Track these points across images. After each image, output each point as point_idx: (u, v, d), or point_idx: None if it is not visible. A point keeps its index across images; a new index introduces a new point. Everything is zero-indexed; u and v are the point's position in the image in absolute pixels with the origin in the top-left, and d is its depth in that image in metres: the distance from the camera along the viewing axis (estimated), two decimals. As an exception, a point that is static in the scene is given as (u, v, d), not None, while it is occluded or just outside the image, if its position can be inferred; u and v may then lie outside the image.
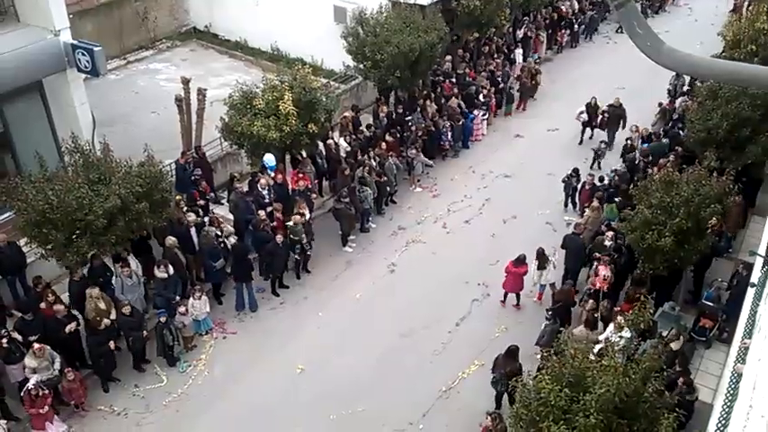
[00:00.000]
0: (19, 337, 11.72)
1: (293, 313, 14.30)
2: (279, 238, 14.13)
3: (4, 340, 11.42)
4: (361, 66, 18.73)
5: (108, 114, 17.32)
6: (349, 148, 17.39)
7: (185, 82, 16.69)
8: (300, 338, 13.66)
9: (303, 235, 14.58)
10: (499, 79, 21.46)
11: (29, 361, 11.34)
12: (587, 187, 16.46)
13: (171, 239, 13.46)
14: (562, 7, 26.18)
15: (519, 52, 23.34)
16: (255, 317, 14.21)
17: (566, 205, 17.32)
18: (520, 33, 24.21)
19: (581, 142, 19.97)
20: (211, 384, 12.71)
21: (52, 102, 14.81)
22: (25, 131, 14.49)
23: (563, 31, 26.05)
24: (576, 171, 17.11)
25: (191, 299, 13.11)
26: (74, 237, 11.85)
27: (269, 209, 14.89)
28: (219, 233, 14.15)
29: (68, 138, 13.18)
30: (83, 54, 14.03)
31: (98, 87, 17.74)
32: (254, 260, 14.54)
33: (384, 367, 12.97)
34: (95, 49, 13.96)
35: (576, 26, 26.39)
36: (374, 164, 16.81)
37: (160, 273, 12.96)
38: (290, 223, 14.46)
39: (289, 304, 14.53)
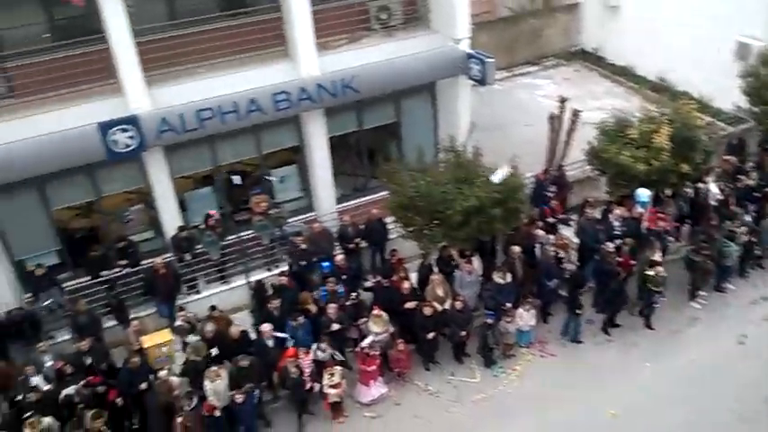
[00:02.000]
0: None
1: (619, 355, 13.74)
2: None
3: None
4: (756, 109, 16.99)
5: (484, 121, 18.56)
6: (721, 197, 15.91)
7: (562, 101, 17.06)
8: (620, 383, 13.05)
9: (662, 287, 13.89)
10: None
11: (372, 326, 12.93)
12: None
13: (516, 249, 13.99)
14: None
15: None
16: (578, 346, 14.01)
17: None
18: None
19: None
20: (520, 397, 12.97)
21: (440, 103, 16.53)
22: (413, 125, 16.45)
23: None
24: None
25: (520, 309, 13.50)
26: (431, 225, 13.16)
27: (618, 242, 14.47)
28: (560, 254, 14.26)
29: (447, 137, 14.57)
30: (476, 63, 15.29)
31: (481, 94, 19.13)
32: (590, 289, 14.35)
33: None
34: (488, 60, 15.09)
35: None
36: (749, 219, 15.11)
37: (498, 277, 13.58)
38: (651, 273, 13.77)
39: (616, 344, 14.00)
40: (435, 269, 14.08)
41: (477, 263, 14.38)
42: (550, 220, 15.55)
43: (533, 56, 25.25)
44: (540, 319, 14.26)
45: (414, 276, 14.17)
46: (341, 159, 16.18)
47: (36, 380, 11.76)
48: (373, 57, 14.90)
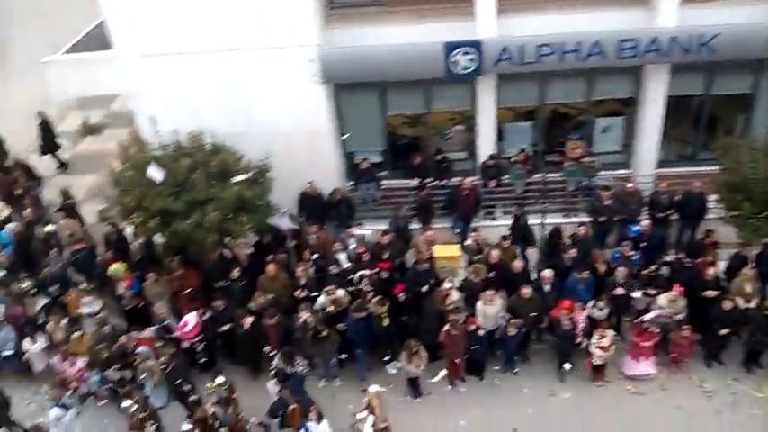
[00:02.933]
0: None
1: None
2: None
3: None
4: None
5: None
6: None
7: None
8: None
9: None
10: None
11: (662, 300, 12.25)
12: None
13: None
14: None
15: None
16: None
17: None
18: None
19: None
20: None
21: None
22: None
23: None
24: None
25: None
26: (761, 215, 11.79)
27: None
28: None
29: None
30: None
31: None
32: None
33: None
34: None
35: None
36: None
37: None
38: None
39: None
40: (751, 263, 12.68)
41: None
42: None
43: None
44: None
45: (722, 264, 12.96)
46: (673, 122, 15.06)
47: (341, 256, 13.57)
48: (743, 17, 13.37)
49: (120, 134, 18.72)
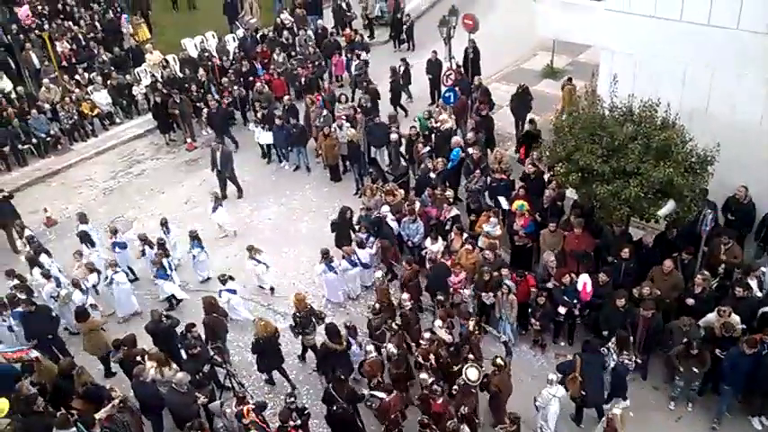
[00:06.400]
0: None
1: None
2: None
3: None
4: None
5: None
6: None
7: None
8: None
9: None
10: None
11: None
12: None
13: None
14: None
15: None
16: None
17: None
18: None
19: None
20: None
21: None
22: None
23: None
24: None
25: None
26: None
27: None
28: None
29: None
30: None
31: None
32: None
33: None
34: None
35: None
36: None
37: None
38: None
39: None
40: None
41: None
42: None
43: None
44: None
45: None
46: None
47: (752, 282, 12.47)
48: None
49: (576, 85, 19.64)
